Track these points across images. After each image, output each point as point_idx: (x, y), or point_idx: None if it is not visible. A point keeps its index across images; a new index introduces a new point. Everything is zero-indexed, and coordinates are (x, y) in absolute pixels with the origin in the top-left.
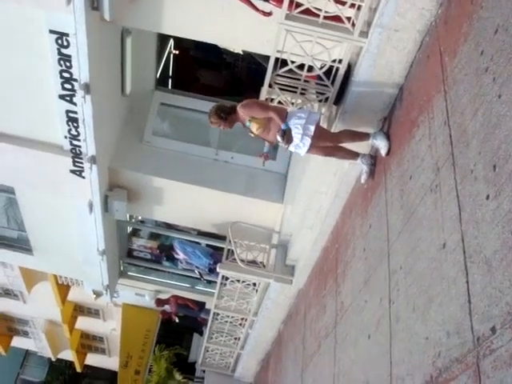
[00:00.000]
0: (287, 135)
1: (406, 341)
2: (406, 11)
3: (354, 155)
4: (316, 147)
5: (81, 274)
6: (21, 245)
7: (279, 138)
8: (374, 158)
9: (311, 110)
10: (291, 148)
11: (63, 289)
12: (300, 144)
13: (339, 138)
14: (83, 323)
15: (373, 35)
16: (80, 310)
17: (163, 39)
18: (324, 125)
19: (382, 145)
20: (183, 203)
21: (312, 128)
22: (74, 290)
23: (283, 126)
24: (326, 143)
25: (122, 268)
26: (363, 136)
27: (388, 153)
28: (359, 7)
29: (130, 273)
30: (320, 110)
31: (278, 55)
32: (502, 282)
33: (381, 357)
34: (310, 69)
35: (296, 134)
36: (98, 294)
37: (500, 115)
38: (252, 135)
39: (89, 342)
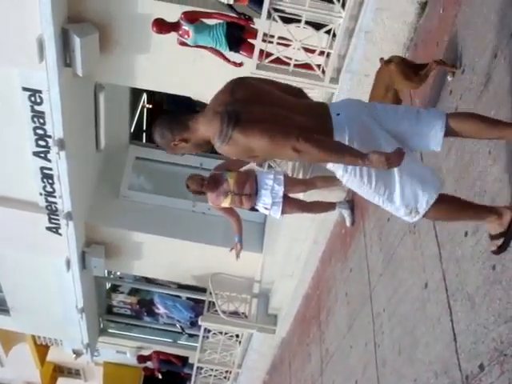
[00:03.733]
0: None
1: None
2: (374, 56)
3: (330, 207)
4: (290, 205)
5: (60, 333)
6: None
7: (259, 167)
8: (351, 202)
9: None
10: (265, 212)
11: (42, 349)
12: (273, 206)
13: (313, 182)
14: None
15: (343, 81)
16: (60, 370)
17: (136, 93)
18: (299, 171)
19: None
20: (162, 257)
21: (281, 188)
22: (54, 350)
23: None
24: (300, 189)
25: (102, 325)
26: (336, 180)
27: None
28: (328, 54)
29: (110, 330)
30: None
31: None
32: (486, 318)
33: None
34: None
35: (266, 195)
36: (78, 354)
37: (473, 152)
38: (223, 206)
39: None
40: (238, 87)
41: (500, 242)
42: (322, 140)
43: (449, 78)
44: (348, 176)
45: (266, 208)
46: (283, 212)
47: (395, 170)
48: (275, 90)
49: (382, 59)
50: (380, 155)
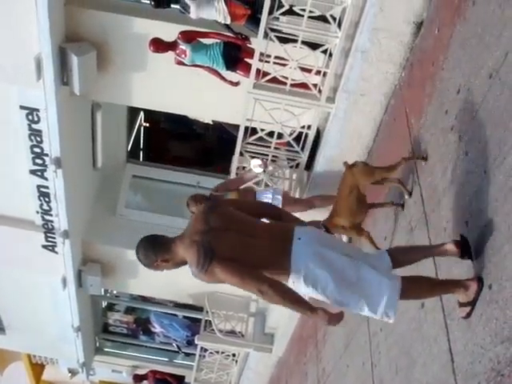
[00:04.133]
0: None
1: None
2: (370, 76)
3: None
4: None
5: (55, 351)
6: None
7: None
8: None
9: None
10: None
11: (37, 368)
12: None
13: (310, 202)
14: None
15: (339, 100)
16: None
17: (133, 112)
18: (296, 190)
19: None
20: (158, 275)
21: (279, 197)
22: (49, 369)
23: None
24: (298, 209)
25: (97, 344)
26: (334, 198)
27: None
28: (325, 74)
29: (106, 349)
30: (291, 176)
31: (248, 123)
32: (483, 338)
33: None
34: (280, 136)
35: None
36: (73, 373)
37: (468, 172)
38: None
39: None
40: (212, 215)
41: (468, 309)
42: (284, 291)
43: (406, 197)
44: (311, 291)
45: None
46: None
47: (355, 282)
48: (246, 214)
49: (345, 163)
50: (324, 315)
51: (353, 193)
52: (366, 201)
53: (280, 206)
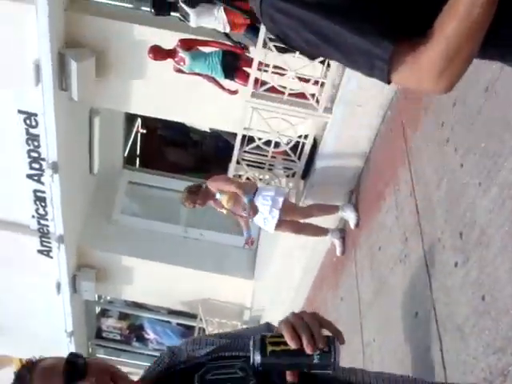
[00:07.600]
0: (251, 207)
1: None
2: (367, 87)
3: (323, 232)
4: (285, 223)
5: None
6: None
7: (242, 212)
8: (343, 232)
9: (279, 186)
10: (260, 223)
11: None
12: (269, 217)
13: (309, 211)
14: None
15: (337, 110)
16: None
17: (130, 118)
18: (292, 199)
19: (350, 217)
20: (153, 282)
21: (281, 200)
22: None
23: (245, 199)
24: (296, 217)
25: (90, 350)
26: (332, 208)
27: (357, 225)
28: (322, 84)
29: (98, 354)
30: (287, 185)
31: (245, 132)
32: (475, 349)
33: None
34: (277, 145)
35: (265, 205)
36: None
37: (463, 184)
38: (224, 212)
39: None
40: None
41: None
42: None
43: None
44: None
45: (263, 218)
46: (277, 227)
47: None
48: None
49: None
50: None
51: None
52: None
53: (279, 208)
